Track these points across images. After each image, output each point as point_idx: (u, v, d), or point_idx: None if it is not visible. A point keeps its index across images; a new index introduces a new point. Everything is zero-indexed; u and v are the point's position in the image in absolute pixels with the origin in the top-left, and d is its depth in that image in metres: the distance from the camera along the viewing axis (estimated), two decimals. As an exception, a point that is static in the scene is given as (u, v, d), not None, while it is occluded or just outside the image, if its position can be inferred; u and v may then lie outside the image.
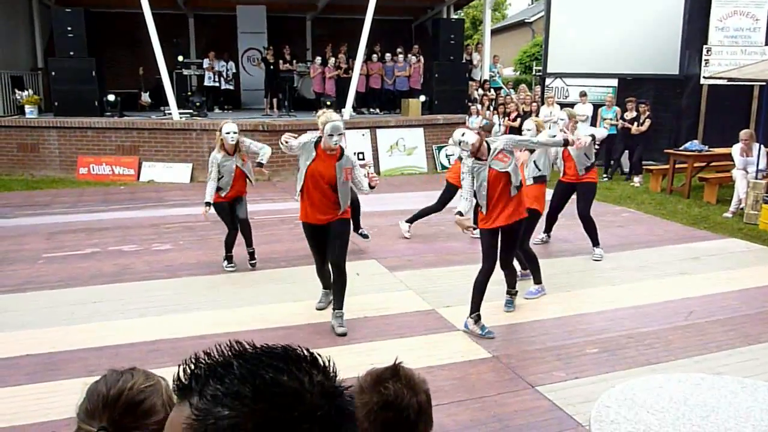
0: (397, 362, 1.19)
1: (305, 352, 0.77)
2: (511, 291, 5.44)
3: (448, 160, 12.67)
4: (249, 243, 6.66)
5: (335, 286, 5.11)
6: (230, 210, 6.52)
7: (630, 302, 5.64)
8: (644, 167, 11.89)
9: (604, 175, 12.16)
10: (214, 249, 7.03)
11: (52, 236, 7.91)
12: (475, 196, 4.95)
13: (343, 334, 4.90)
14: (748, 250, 7.51)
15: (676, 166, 10.98)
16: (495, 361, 4.50)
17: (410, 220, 7.84)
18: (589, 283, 6.21)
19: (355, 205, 7.08)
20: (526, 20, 29.18)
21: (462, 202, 4.95)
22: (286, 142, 5.03)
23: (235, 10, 17.05)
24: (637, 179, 11.80)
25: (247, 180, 6.51)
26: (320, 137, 4.89)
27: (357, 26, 13.49)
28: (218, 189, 6.36)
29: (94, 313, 5.34)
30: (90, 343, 4.69)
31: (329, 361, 0.79)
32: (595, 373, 4.31)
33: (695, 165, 10.70)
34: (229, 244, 6.60)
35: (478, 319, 4.91)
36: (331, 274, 5.17)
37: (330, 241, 5.07)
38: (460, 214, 4.85)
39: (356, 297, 5.74)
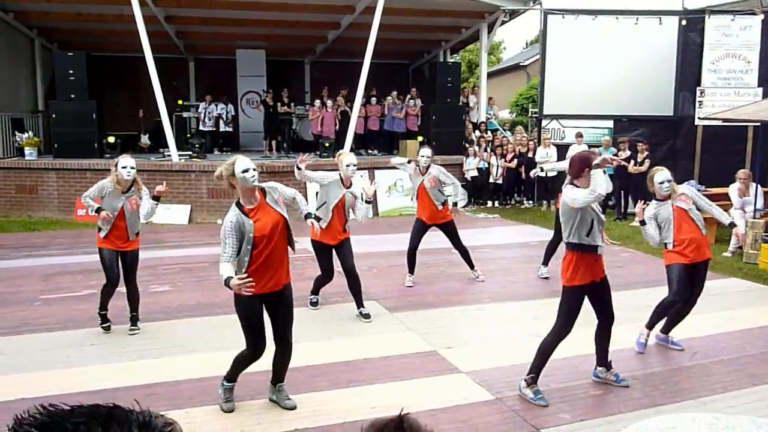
0: (402, 412, 1.14)
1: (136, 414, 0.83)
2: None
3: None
4: (133, 307, 5.84)
5: (283, 361, 4.36)
6: (117, 263, 5.69)
7: (633, 343, 5.58)
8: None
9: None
10: (212, 290, 6.97)
11: (48, 278, 7.86)
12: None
13: (293, 408, 4.30)
14: (749, 289, 7.49)
15: (674, 205, 10.99)
16: (499, 403, 4.43)
17: (410, 271, 7.64)
18: (591, 323, 6.13)
19: (356, 286, 6.42)
20: (521, 63, 29.66)
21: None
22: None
23: (235, 54, 17.35)
24: (639, 218, 11.92)
25: (127, 230, 5.63)
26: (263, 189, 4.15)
27: (355, 70, 13.70)
28: (99, 229, 5.62)
29: (91, 356, 5.26)
30: (86, 386, 4.60)
31: (151, 416, 0.87)
32: (600, 415, 4.24)
33: (693, 205, 10.71)
34: (104, 299, 5.77)
35: (532, 382, 4.50)
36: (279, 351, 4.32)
37: (281, 311, 4.24)
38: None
39: (356, 338, 5.69)
